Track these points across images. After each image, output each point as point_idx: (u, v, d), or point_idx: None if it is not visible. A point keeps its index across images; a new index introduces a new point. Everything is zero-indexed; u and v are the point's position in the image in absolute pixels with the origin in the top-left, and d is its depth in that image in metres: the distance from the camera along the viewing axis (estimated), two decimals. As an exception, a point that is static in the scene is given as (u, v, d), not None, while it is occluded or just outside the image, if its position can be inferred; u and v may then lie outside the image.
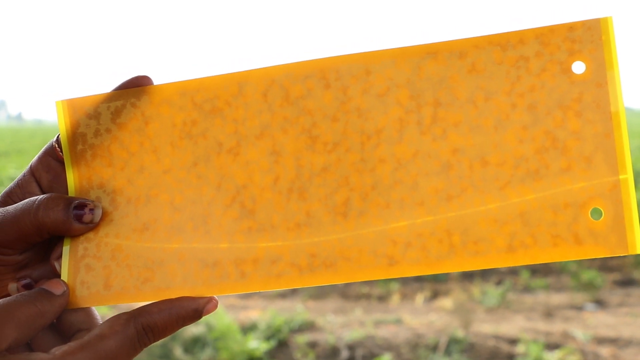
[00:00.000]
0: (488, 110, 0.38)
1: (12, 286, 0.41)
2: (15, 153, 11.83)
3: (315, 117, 0.40)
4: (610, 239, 0.36)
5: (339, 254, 0.39)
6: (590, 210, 0.36)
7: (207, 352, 2.49)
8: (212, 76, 0.42)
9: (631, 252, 0.35)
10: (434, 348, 2.44)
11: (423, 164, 0.38)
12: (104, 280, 0.41)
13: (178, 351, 2.48)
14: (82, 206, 0.40)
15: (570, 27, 0.37)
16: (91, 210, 0.41)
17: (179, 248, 0.41)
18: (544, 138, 0.37)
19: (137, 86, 0.42)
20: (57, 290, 0.39)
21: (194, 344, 2.56)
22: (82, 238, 0.42)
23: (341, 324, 2.72)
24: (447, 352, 2.41)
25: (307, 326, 2.70)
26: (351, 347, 2.47)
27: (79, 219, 0.40)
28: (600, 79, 0.36)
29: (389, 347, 2.47)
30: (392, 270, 0.38)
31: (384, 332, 2.60)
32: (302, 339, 2.54)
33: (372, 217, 0.39)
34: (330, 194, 0.39)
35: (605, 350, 2.43)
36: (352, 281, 0.39)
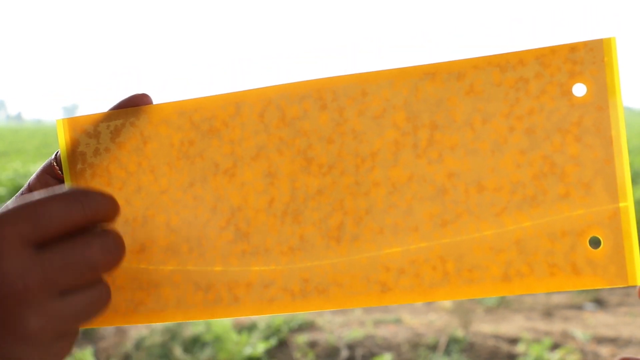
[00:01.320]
0: (485, 133, 0.37)
1: None
2: (14, 153, 11.81)
3: (311, 139, 0.39)
4: (609, 269, 0.35)
5: (331, 280, 0.38)
6: (589, 238, 0.35)
7: (207, 351, 2.49)
8: (211, 96, 0.41)
9: (631, 283, 0.34)
10: (434, 348, 2.44)
11: (418, 188, 0.38)
12: None
13: (178, 351, 2.48)
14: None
15: (572, 48, 0.36)
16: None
17: (174, 270, 0.40)
18: (542, 163, 0.36)
19: (136, 105, 0.42)
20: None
21: (194, 344, 2.56)
22: None
23: (341, 324, 2.72)
24: (447, 351, 2.41)
25: (307, 326, 2.70)
26: (351, 347, 2.47)
27: None
28: (602, 102, 0.35)
29: (389, 346, 2.47)
30: (385, 298, 0.37)
31: (384, 332, 2.59)
32: (301, 338, 2.54)
33: (365, 242, 0.38)
34: (325, 217, 0.39)
35: (604, 350, 2.43)
36: (344, 308, 0.38)
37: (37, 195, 0.34)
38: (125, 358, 2.50)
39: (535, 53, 0.37)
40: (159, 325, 2.59)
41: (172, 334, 2.56)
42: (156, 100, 0.43)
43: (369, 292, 0.38)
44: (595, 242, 0.35)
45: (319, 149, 0.39)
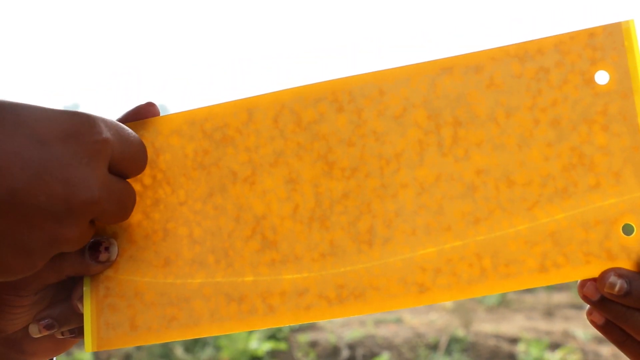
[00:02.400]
0: (510, 127, 0.37)
1: (34, 327, 0.39)
2: None
3: (330, 142, 0.39)
4: None
5: (367, 284, 0.37)
6: (622, 226, 0.35)
7: (208, 351, 2.49)
8: (221, 103, 0.40)
9: None
10: (435, 347, 2.44)
11: (447, 187, 0.37)
12: (129, 320, 0.40)
13: (179, 351, 2.47)
14: (96, 245, 0.39)
15: (591, 34, 0.36)
16: (106, 248, 0.39)
17: (203, 283, 0.39)
18: (570, 154, 0.36)
19: (143, 116, 0.41)
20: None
21: (195, 344, 2.55)
22: (102, 277, 0.40)
23: (341, 323, 2.72)
24: (448, 351, 2.41)
25: (308, 325, 2.70)
26: (352, 347, 2.47)
27: (95, 258, 0.39)
28: (626, 89, 0.35)
29: (390, 346, 2.47)
30: (423, 298, 0.37)
31: (384, 331, 2.59)
32: (303, 338, 2.54)
33: (398, 245, 0.37)
34: (353, 221, 0.38)
35: (605, 350, 2.43)
36: (383, 310, 0.38)
37: (128, 128, 0.36)
38: (126, 358, 2.50)
39: (553, 40, 0.36)
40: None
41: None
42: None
43: (406, 293, 0.37)
44: (628, 229, 0.35)
45: (339, 153, 0.38)
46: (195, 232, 0.40)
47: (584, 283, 0.36)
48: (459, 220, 0.37)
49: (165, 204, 0.40)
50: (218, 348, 2.47)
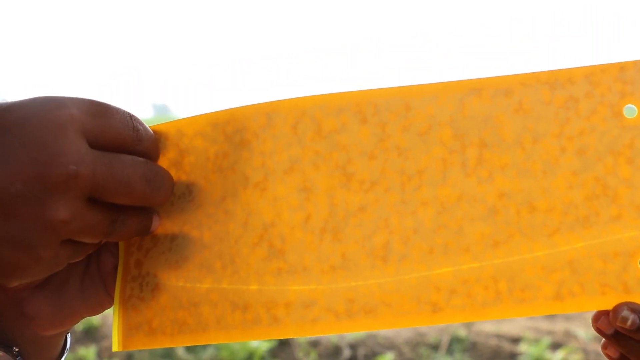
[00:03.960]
0: (536, 153, 0.36)
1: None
2: None
3: (351, 154, 0.38)
4: None
5: (379, 300, 0.37)
6: None
7: (209, 351, 2.49)
8: (242, 106, 0.40)
9: None
10: (436, 347, 2.44)
11: (468, 207, 0.37)
12: (148, 323, 0.40)
13: (180, 350, 2.47)
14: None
15: (622, 67, 0.36)
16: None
17: (210, 288, 0.39)
18: (594, 184, 0.36)
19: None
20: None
21: (196, 344, 2.55)
22: (128, 278, 0.40)
23: (343, 323, 2.72)
24: (449, 351, 2.41)
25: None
26: (353, 346, 2.47)
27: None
28: None
29: (391, 346, 2.47)
30: (436, 317, 0.37)
31: (386, 331, 2.60)
32: (304, 337, 2.54)
33: (414, 262, 0.37)
34: (369, 235, 0.38)
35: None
36: (394, 328, 0.38)
37: (107, 102, 0.34)
38: (127, 357, 2.50)
39: (584, 71, 0.36)
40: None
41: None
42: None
43: (419, 312, 0.37)
44: None
45: (359, 165, 0.38)
46: (206, 236, 0.40)
47: (598, 316, 0.36)
48: (478, 242, 0.37)
49: (186, 206, 0.40)
50: (219, 347, 2.47)
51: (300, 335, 0.38)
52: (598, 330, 0.36)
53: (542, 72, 0.37)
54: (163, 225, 0.41)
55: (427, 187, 0.37)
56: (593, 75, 0.36)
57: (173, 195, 0.40)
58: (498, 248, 0.36)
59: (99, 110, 0.33)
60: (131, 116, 0.35)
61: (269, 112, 0.39)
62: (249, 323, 0.38)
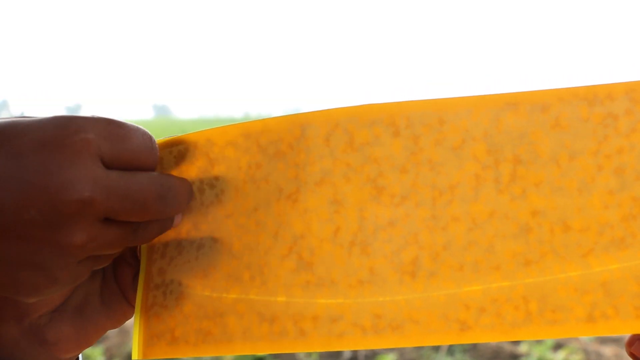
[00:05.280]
0: (572, 171, 0.35)
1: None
2: None
3: (382, 167, 0.38)
4: None
5: (406, 316, 0.37)
6: None
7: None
8: (275, 117, 0.40)
9: None
10: (437, 347, 2.44)
11: (500, 225, 0.36)
12: (170, 332, 0.39)
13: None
14: None
15: None
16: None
17: (237, 299, 0.39)
18: (631, 205, 0.35)
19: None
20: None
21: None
22: (151, 286, 0.40)
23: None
24: (450, 351, 2.41)
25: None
26: (354, 343, 2.47)
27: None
28: None
29: (392, 343, 2.47)
30: (464, 336, 0.36)
31: (387, 328, 2.59)
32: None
33: (443, 279, 0.36)
34: (397, 250, 0.37)
35: (608, 350, 2.43)
36: (421, 345, 0.37)
37: (124, 121, 0.34)
38: (128, 357, 2.50)
39: (625, 87, 0.35)
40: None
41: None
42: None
43: (447, 330, 0.36)
44: None
45: (391, 178, 0.37)
46: (235, 246, 0.39)
47: (632, 341, 0.35)
48: (509, 260, 0.36)
49: (214, 215, 0.40)
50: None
51: (327, 349, 0.38)
52: (632, 355, 0.35)
53: (581, 88, 0.36)
54: (189, 233, 0.40)
55: (458, 202, 0.37)
56: (634, 91, 0.35)
57: (201, 204, 0.40)
58: (530, 267, 0.36)
59: (117, 133, 0.33)
60: (150, 137, 0.35)
61: (303, 124, 0.39)
62: (276, 335, 0.38)
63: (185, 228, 0.40)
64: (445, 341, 0.36)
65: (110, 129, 0.33)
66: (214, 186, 0.40)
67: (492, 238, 0.36)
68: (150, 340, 0.40)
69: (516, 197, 0.36)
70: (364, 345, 0.37)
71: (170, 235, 0.40)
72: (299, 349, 0.38)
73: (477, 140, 0.37)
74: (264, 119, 0.40)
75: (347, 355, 2.40)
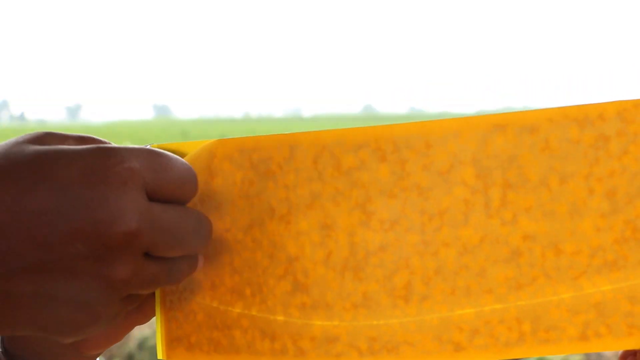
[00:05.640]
0: (563, 195, 0.35)
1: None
2: None
3: (370, 192, 0.37)
4: None
5: (401, 339, 0.37)
6: None
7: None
8: (267, 135, 0.39)
9: None
10: None
11: (491, 250, 0.36)
12: (187, 338, 0.41)
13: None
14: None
15: None
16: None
17: (241, 314, 0.39)
18: (623, 227, 0.34)
19: None
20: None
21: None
22: (167, 290, 0.41)
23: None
24: None
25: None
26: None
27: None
28: None
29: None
30: (458, 356, 0.37)
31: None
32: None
33: (435, 303, 0.37)
34: (389, 275, 0.37)
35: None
36: None
37: (166, 152, 0.33)
38: (128, 358, 2.55)
39: (616, 107, 0.34)
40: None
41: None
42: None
43: (441, 351, 0.37)
44: None
45: (379, 203, 0.37)
46: (236, 261, 0.39)
47: (625, 355, 0.36)
48: (501, 284, 0.36)
49: (215, 226, 0.40)
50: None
51: None
52: None
53: (571, 107, 0.34)
54: None
55: (448, 228, 0.36)
56: (626, 111, 0.34)
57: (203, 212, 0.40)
58: (522, 290, 0.36)
59: (159, 163, 0.32)
60: (190, 168, 0.34)
61: (292, 144, 0.38)
62: (277, 352, 0.39)
63: None
64: None
65: (153, 159, 0.32)
66: (212, 198, 0.40)
67: (484, 262, 0.36)
68: (171, 343, 0.41)
69: (506, 222, 0.36)
70: None
71: None
72: None
73: (465, 164, 0.36)
74: (257, 136, 0.39)
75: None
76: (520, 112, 0.35)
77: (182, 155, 0.41)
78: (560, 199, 0.35)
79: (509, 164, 0.35)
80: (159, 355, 0.41)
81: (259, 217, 0.39)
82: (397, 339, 0.37)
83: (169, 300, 0.41)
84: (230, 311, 0.39)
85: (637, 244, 0.34)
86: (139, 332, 2.66)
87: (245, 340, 0.39)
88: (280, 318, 0.39)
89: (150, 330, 2.66)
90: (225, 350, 0.40)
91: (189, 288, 0.40)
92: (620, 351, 0.37)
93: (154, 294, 0.41)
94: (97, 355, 0.43)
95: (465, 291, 0.36)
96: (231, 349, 0.40)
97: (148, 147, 0.33)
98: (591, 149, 0.34)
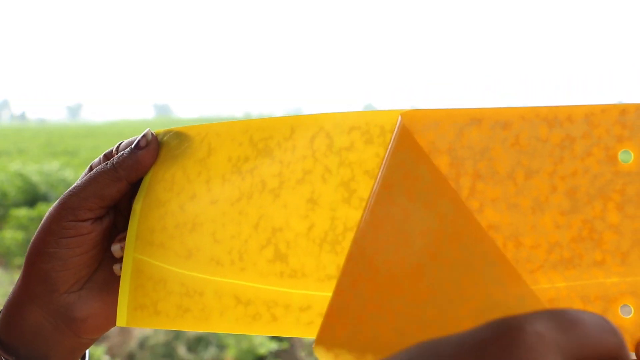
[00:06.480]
0: (527, 189, 0.37)
1: (116, 247, 0.44)
2: (17, 152, 11.71)
3: (355, 171, 0.40)
4: (636, 337, 0.35)
5: None
6: (621, 306, 0.35)
7: (211, 351, 2.49)
8: (273, 117, 0.43)
9: None
10: None
11: None
12: (154, 305, 0.43)
13: (182, 350, 2.48)
14: (140, 139, 0.45)
15: (623, 110, 0.35)
16: (144, 136, 0.45)
17: (217, 281, 0.42)
18: (581, 227, 0.36)
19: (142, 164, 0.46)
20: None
21: (198, 343, 2.56)
22: (136, 258, 0.44)
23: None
24: None
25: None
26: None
27: (138, 147, 0.44)
28: None
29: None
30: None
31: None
32: (307, 338, 2.53)
33: None
34: None
35: None
36: None
37: (569, 310, 0.26)
38: (129, 357, 2.52)
39: (584, 110, 0.36)
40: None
41: (176, 333, 2.57)
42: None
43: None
44: (626, 310, 0.35)
45: (361, 183, 0.40)
46: (218, 232, 0.42)
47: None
48: None
49: (200, 199, 0.43)
50: (221, 347, 2.47)
51: (295, 335, 0.41)
52: None
53: (543, 108, 0.36)
54: (175, 215, 0.44)
55: None
56: (593, 115, 0.36)
57: (189, 184, 0.44)
58: None
59: (566, 320, 0.25)
60: (604, 318, 0.26)
61: (293, 125, 0.42)
62: (249, 318, 0.41)
63: (172, 208, 0.44)
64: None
65: (556, 319, 0.25)
66: (205, 174, 0.43)
67: None
68: (134, 311, 0.43)
69: (473, 211, 0.37)
70: None
71: (155, 216, 0.44)
72: (270, 332, 0.41)
73: (441, 152, 0.38)
74: (264, 118, 0.43)
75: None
76: (496, 108, 0.38)
77: (187, 135, 0.44)
78: (524, 193, 0.37)
79: (481, 155, 0.37)
80: (118, 322, 0.43)
81: (249, 190, 0.42)
82: None
83: (136, 269, 0.43)
84: (206, 279, 0.42)
85: (593, 244, 0.35)
86: (140, 331, 2.59)
87: (218, 306, 0.41)
88: (257, 285, 0.41)
89: (151, 329, 2.59)
90: (194, 317, 0.42)
91: (161, 257, 0.43)
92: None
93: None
94: (95, 340, 0.45)
95: None
96: (201, 315, 0.42)
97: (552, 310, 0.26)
98: (557, 148, 0.36)
